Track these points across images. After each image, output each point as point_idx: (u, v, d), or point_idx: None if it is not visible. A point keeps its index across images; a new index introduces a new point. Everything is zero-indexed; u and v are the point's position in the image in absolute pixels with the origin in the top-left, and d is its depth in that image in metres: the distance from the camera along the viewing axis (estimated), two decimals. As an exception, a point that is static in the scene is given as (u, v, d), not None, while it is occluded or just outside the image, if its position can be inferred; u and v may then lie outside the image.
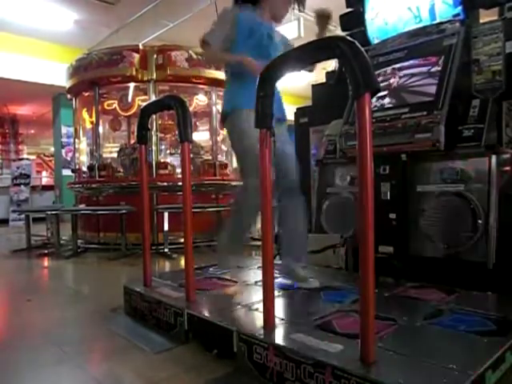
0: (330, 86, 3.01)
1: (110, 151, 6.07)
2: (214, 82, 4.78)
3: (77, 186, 5.19)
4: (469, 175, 2.00)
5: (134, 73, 4.61)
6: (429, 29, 2.33)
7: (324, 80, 3.12)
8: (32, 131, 12.95)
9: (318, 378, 1.12)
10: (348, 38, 1.21)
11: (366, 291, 1.10)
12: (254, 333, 1.36)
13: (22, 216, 6.29)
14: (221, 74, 3.87)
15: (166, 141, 5.98)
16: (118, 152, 5.30)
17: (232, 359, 1.41)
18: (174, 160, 5.23)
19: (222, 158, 5.44)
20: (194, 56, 4.62)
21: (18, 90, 8.49)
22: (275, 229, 2.00)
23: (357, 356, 1.12)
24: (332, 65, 3.26)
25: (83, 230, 4.80)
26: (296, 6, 2.27)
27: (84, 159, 5.78)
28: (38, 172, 11.76)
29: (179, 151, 4.57)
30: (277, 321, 1.44)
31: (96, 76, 4.82)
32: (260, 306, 1.51)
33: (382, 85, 2.25)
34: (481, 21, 2.25)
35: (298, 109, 3.39)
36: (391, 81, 2.36)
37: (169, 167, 4.77)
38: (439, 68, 2.15)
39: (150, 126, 2.15)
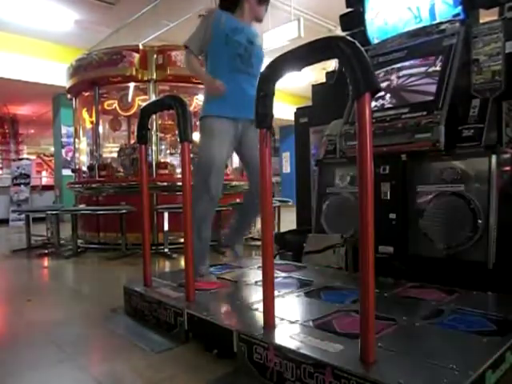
0: (329, 86, 3.01)
1: (110, 151, 6.08)
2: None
3: (77, 186, 5.19)
4: (469, 175, 2.00)
5: (134, 73, 4.61)
6: (429, 29, 2.33)
7: (324, 80, 3.12)
8: (32, 131, 12.97)
9: (317, 377, 1.12)
10: (348, 37, 1.21)
11: (365, 291, 1.10)
12: (254, 333, 1.36)
13: (22, 216, 6.29)
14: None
15: (166, 141, 5.98)
16: (118, 152, 5.30)
17: (232, 359, 1.41)
18: (174, 160, 5.23)
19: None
20: (194, 56, 4.61)
21: (17, 90, 8.49)
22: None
23: (357, 356, 1.12)
24: (332, 65, 3.26)
25: (83, 230, 4.80)
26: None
27: (84, 159, 5.78)
28: (38, 172, 11.79)
29: (179, 151, 4.57)
30: (277, 321, 1.44)
31: (96, 76, 4.82)
32: (260, 306, 1.51)
33: (381, 85, 2.26)
34: (481, 21, 2.25)
35: (298, 109, 3.40)
36: (391, 81, 2.36)
37: (169, 167, 4.77)
38: (439, 68, 2.15)
39: (149, 126, 2.15)
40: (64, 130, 8.86)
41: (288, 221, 4.06)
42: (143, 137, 2.10)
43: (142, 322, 1.93)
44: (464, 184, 2.00)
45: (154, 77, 4.67)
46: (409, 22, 2.47)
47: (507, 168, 2.00)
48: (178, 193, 4.28)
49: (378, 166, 2.20)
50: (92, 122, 5.47)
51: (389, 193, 2.20)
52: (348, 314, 1.54)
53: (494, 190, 1.90)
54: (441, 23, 2.29)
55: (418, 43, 2.35)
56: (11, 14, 6.68)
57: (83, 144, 5.81)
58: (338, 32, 2.77)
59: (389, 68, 2.40)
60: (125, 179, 4.75)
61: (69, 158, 8.69)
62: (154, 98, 4.60)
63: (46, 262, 4.00)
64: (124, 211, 3.99)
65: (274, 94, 1.39)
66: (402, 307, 1.65)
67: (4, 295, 2.78)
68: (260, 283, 1.52)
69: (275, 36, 6.22)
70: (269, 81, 1.39)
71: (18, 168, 8.48)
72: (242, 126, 2.25)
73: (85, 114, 5.60)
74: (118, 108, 5.47)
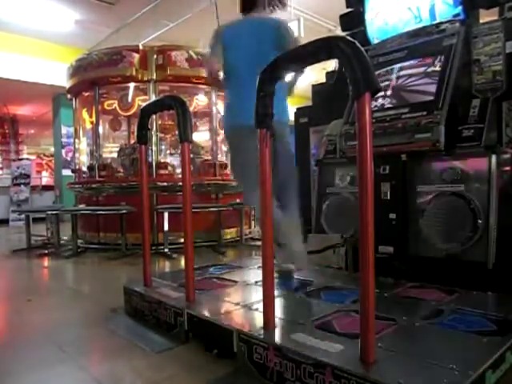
0: (329, 86, 3.01)
1: (110, 151, 6.07)
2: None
3: (77, 186, 5.19)
4: (469, 175, 2.00)
5: (134, 73, 4.61)
6: (429, 29, 2.33)
7: (324, 80, 3.12)
8: (32, 131, 12.96)
9: (318, 377, 1.12)
10: (348, 37, 1.21)
11: (365, 291, 1.10)
12: (254, 333, 1.36)
13: (22, 216, 6.29)
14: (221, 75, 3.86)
15: (166, 141, 5.98)
16: (118, 152, 5.30)
17: (232, 359, 1.41)
18: (174, 160, 5.23)
19: (221, 158, 5.44)
20: (194, 56, 4.61)
21: (17, 90, 8.49)
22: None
23: (357, 356, 1.12)
24: (332, 65, 3.26)
25: (83, 230, 4.80)
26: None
27: (84, 159, 5.78)
28: (38, 172, 11.78)
29: (179, 151, 4.57)
30: (277, 321, 1.44)
31: (96, 76, 4.82)
32: (260, 306, 1.51)
33: (381, 85, 2.25)
34: (481, 21, 2.25)
35: (298, 109, 3.40)
36: (391, 81, 2.35)
37: (169, 167, 4.77)
38: (439, 68, 2.15)
39: (150, 126, 2.15)
40: (64, 130, 8.86)
41: (288, 221, 4.05)
42: (143, 137, 2.10)
43: (142, 322, 1.93)
44: (464, 184, 2.00)
45: (154, 77, 4.67)
46: (409, 22, 2.47)
47: (507, 168, 2.00)
48: (178, 193, 4.28)
49: (378, 166, 2.20)
50: (92, 122, 5.47)
51: (389, 193, 2.20)
52: (348, 313, 1.54)
53: (494, 190, 1.90)
54: (441, 23, 2.29)
55: (418, 43, 2.35)
56: (11, 14, 6.68)
57: (83, 144, 5.81)
58: (338, 32, 2.77)
59: (389, 68, 2.40)
60: (125, 179, 4.76)
61: (69, 158, 8.69)
62: (153, 98, 4.60)
63: (45, 261, 4.00)
64: (124, 211, 3.99)
65: (274, 94, 1.39)
66: (402, 307, 1.65)
67: (4, 295, 2.78)
68: (260, 283, 1.52)
69: (275, 36, 6.21)
70: (269, 81, 1.39)
71: (17, 168, 8.49)
72: None
73: (85, 114, 5.60)
74: (117, 108, 5.47)
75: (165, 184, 4.52)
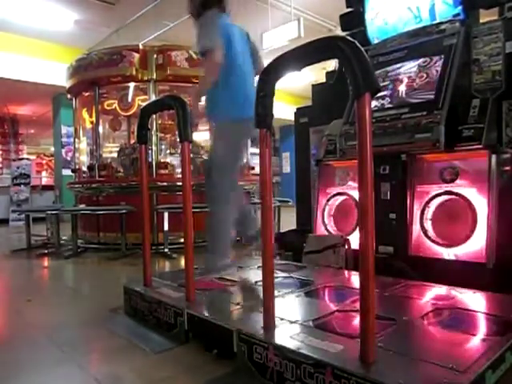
0: (330, 86, 3.01)
1: (110, 151, 6.07)
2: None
3: (77, 186, 5.19)
4: (469, 175, 2.00)
5: (134, 73, 4.61)
6: (429, 29, 2.33)
7: (324, 80, 3.12)
8: (32, 131, 12.97)
9: (318, 377, 1.12)
10: (348, 37, 1.21)
11: (365, 291, 1.10)
12: (254, 333, 1.36)
13: (22, 216, 6.29)
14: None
15: (166, 141, 5.98)
16: (118, 152, 5.30)
17: (232, 359, 1.41)
18: (174, 160, 5.22)
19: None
20: (194, 56, 4.61)
21: (17, 90, 8.49)
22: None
23: (357, 356, 1.12)
24: (332, 65, 3.26)
25: (83, 230, 4.80)
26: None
27: (84, 159, 5.78)
28: (38, 172, 11.78)
29: (179, 151, 4.57)
30: (277, 321, 1.44)
31: (96, 76, 4.82)
32: (260, 306, 1.51)
33: (381, 85, 2.26)
34: (481, 21, 2.25)
35: (298, 109, 3.39)
36: (391, 80, 2.35)
37: (169, 167, 4.77)
38: (439, 68, 2.15)
39: (149, 126, 2.15)
40: (64, 129, 8.86)
41: (288, 221, 4.05)
42: (143, 137, 2.10)
43: (142, 322, 1.93)
44: (464, 184, 2.00)
45: (154, 77, 4.67)
46: (409, 22, 2.47)
47: (507, 168, 2.00)
48: (177, 193, 4.28)
49: (378, 165, 2.20)
50: (92, 122, 5.47)
51: (389, 193, 2.20)
52: (348, 313, 1.54)
53: (494, 190, 1.90)
54: (441, 23, 2.29)
55: (418, 43, 2.35)
56: (11, 13, 6.68)
57: (83, 144, 5.81)
58: (338, 32, 2.78)
59: (389, 68, 2.40)
60: (125, 179, 4.75)
61: (69, 158, 8.69)
62: (153, 98, 4.59)
63: (45, 261, 4.00)
64: (124, 211, 3.98)
65: (273, 93, 1.39)
66: (402, 307, 1.65)
67: (4, 295, 2.78)
68: (260, 283, 1.52)
69: (275, 36, 6.23)
70: (269, 81, 1.39)
71: (17, 168, 8.48)
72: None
73: (85, 114, 5.60)
74: (118, 108, 5.47)
75: (165, 184, 4.52)
